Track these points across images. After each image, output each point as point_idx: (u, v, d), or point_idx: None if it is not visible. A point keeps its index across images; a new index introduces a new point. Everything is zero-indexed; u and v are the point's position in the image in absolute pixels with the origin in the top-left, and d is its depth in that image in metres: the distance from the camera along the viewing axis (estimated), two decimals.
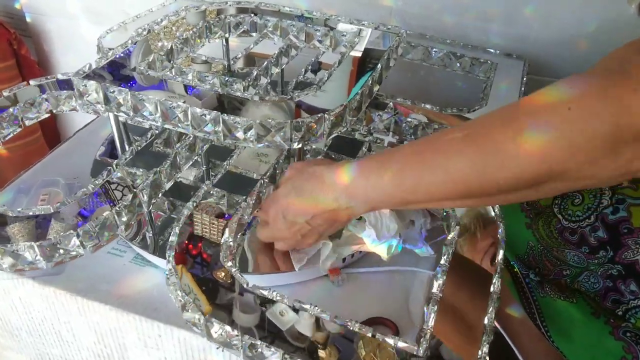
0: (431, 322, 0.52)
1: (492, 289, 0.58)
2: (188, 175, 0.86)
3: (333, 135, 0.67)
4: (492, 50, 1.07)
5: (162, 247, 0.78)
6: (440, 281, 0.58)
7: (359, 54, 0.87)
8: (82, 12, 1.47)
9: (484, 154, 0.50)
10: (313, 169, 0.64)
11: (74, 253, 0.62)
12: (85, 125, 1.07)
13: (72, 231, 0.60)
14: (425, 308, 0.54)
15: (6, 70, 1.52)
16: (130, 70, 0.76)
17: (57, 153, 1.01)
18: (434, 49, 1.04)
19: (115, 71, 0.77)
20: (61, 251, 0.61)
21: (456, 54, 1.03)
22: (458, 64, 1.04)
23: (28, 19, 1.58)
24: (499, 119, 0.50)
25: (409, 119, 0.83)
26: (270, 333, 0.65)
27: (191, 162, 0.77)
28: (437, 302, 0.55)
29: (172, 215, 0.83)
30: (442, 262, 0.60)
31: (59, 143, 1.06)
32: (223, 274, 0.77)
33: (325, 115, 0.64)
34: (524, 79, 0.98)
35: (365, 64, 1.00)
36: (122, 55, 0.79)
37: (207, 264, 0.79)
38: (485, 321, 0.54)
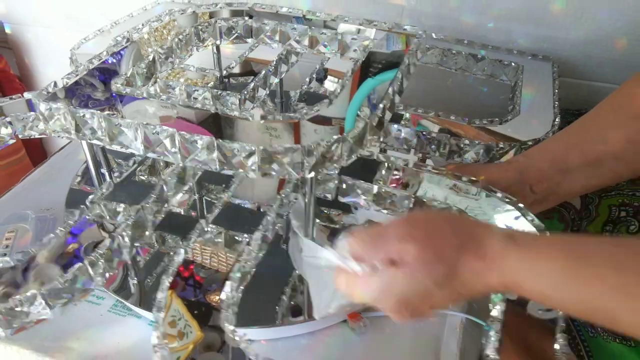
0: None
1: (556, 346, 0.47)
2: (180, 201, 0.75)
3: (352, 160, 0.56)
4: (515, 51, 0.96)
5: (149, 293, 0.66)
6: (493, 339, 0.46)
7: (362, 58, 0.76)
8: (64, 20, 1.36)
9: None
10: (455, 235, 0.46)
11: (38, 316, 0.50)
12: (63, 147, 0.96)
13: (34, 291, 0.49)
14: None
15: None
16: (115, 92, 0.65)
17: (30, 180, 0.90)
18: (452, 51, 0.92)
19: (109, 80, 0.68)
20: (23, 315, 0.49)
21: (476, 56, 0.92)
22: (479, 67, 0.93)
23: (7, 30, 1.47)
24: None
25: (433, 134, 0.72)
26: None
27: (182, 193, 0.65)
28: None
29: (162, 249, 0.72)
30: (494, 313, 0.48)
31: (35, 167, 0.95)
32: (217, 297, 0.67)
33: (343, 136, 0.53)
34: (556, 82, 0.87)
35: (367, 67, 0.90)
36: (114, 61, 0.69)
37: (199, 286, 0.70)
38: None
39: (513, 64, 0.91)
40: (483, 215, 0.62)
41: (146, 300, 0.64)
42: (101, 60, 0.66)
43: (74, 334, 0.64)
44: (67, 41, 1.10)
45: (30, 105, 0.67)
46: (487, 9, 0.94)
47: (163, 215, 0.62)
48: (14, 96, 0.68)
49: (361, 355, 0.63)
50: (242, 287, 0.50)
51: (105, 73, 0.69)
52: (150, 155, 0.54)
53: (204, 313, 0.64)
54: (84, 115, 0.54)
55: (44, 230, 0.78)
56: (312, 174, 0.52)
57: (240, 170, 0.52)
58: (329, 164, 0.53)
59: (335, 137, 0.51)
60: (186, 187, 0.65)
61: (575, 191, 0.68)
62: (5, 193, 0.86)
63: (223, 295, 0.49)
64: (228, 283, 0.50)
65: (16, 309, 0.49)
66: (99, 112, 0.54)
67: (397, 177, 0.70)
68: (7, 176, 1.46)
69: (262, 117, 0.57)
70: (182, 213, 0.75)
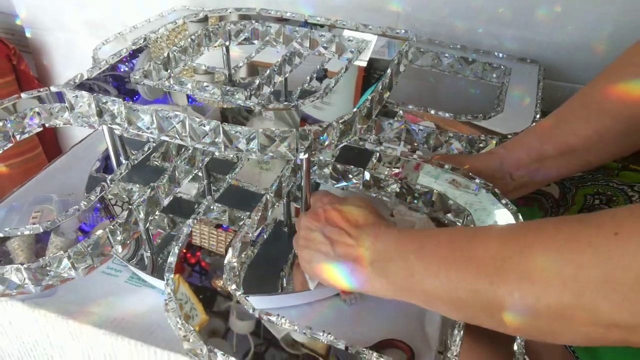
0: (457, 350, 0.47)
1: None
2: (189, 190, 0.82)
3: (342, 145, 0.62)
4: (504, 55, 1.02)
5: (160, 267, 0.73)
6: None
7: (364, 64, 0.83)
8: (82, 25, 1.44)
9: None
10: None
11: (64, 276, 0.57)
12: (81, 140, 1.03)
13: (62, 252, 0.56)
14: (449, 334, 0.49)
15: (5, 86, 1.48)
16: (133, 83, 0.72)
17: (52, 169, 0.97)
18: (445, 55, 0.99)
19: (121, 85, 0.74)
20: (51, 274, 0.57)
21: (467, 60, 0.99)
22: (470, 70, 0.99)
23: (28, 34, 1.54)
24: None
25: (421, 127, 0.78)
26: (266, 340, 0.61)
27: (191, 176, 0.72)
28: (462, 327, 0.50)
29: (172, 233, 0.79)
30: None
31: (54, 159, 1.02)
32: (221, 282, 0.72)
33: (334, 123, 0.60)
34: (540, 83, 0.94)
35: (371, 74, 0.96)
36: (126, 69, 0.75)
37: (205, 272, 0.75)
38: (515, 347, 0.49)
39: (501, 66, 0.98)
40: (483, 210, 0.66)
41: (157, 271, 0.71)
42: (121, 57, 0.74)
43: (95, 301, 0.71)
44: (85, 45, 1.18)
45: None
46: (477, 15, 1.01)
47: (173, 196, 0.69)
48: (41, 89, 0.76)
49: (353, 324, 0.70)
50: (243, 255, 0.57)
51: (118, 80, 0.75)
52: (164, 138, 0.62)
53: (209, 298, 0.68)
54: (106, 102, 0.62)
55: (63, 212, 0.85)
56: (306, 156, 0.59)
57: (243, 153, 0.59)
58: (320, 147, 0.60)
59: (326, 123, 0.58)
60: (195, 171, 0.73)
61: (550, 177, 0.75)
62: (30, 180, 0.93)
63: (225, 260, 0.56)
64: (230, 250, 0.57)
65: (46, 268, 0.56)
66: (119, 99, 0.61)
67: (397, 171, 0.77)
68: (24, 173, 1.52)
69: (262, 106, 0.64)
70: (193, 200, 0.82)
